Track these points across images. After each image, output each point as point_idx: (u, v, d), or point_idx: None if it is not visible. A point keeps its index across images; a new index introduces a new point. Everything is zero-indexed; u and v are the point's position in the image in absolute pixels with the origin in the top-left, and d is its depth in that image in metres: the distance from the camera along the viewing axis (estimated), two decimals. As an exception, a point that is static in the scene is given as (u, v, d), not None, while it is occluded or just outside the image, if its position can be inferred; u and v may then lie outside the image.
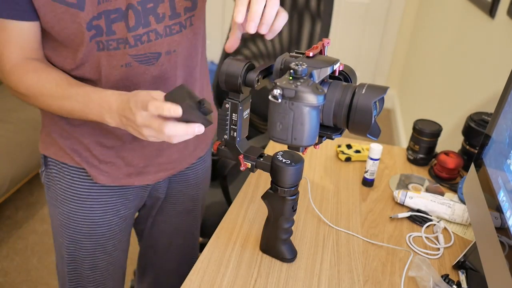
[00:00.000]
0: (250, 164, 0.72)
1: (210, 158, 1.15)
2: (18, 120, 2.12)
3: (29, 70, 0.76)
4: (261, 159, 0.72)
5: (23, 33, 0.74)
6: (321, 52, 0.63)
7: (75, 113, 0.75)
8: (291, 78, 0.55)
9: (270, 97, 0.56)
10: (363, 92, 0.56)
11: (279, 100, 0.55)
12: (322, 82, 0.60)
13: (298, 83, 0.54)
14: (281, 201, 0.74)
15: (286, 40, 1.43)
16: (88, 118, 0.74)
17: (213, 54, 3.55)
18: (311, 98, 0.53)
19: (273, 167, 0.71)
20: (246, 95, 0.69)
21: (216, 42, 3.35)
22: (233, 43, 0.68)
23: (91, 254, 0.97)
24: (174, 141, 0.65)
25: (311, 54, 0.59)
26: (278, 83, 0.55)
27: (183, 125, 0.64)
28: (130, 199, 0.97)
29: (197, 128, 0.65)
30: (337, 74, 0.62)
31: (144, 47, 0.78)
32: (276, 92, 0.55)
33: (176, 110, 0.61)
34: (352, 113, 0.57)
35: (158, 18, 0.77)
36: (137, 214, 1.11)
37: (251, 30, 0.62)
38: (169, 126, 0.63)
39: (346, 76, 0.63)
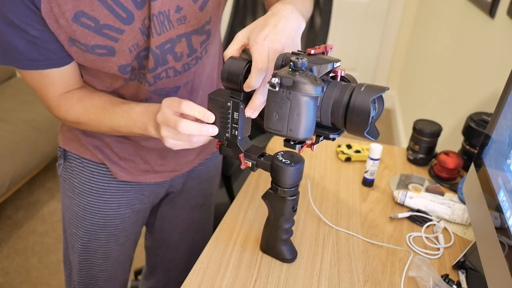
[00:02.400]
0: (250, 163, 0.72)
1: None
2: (18, 120, 2.12)
3: (74, 101, 0.79)
4: (262, 159, 0.72)
5: (63, 74, 0.78)
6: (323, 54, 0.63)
7: (122, 129, 0.78)
8: (290, 69, 0.55)
9: (268, 85, 0.56)
10: (362, 90, 0.56)
11: (277, 89, 0.55)
12: (322, 80, 0.60)
13: (297, 73, 0.54)
14: (281, 201, 0.74)
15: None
16: (134, 132, 0.77)
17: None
18: (309, 88, 0.53)
19: (273, 167, 0.71)
20: (248, 94, 0.69)
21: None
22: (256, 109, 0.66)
23: (104, 244, 1.00)
24: (193, 143, 0.67)
25: (312, 52, 0.59)
26: (277, 72, 0.55)
27: (197, 124, 0.66)
28: (145, 194, 1.01)
29: (211, 129, 0.67)
30: (338, 79, 0.62)
31: (163, 83, 0.82)
32: (274, 80, 0.55)
33: (209, 116, 0.66)
34: (350, 111, 0.56)
35: (177, 57, 0.79)
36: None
37: (252, 116, 0.66)
38: (184, 123, 0.65)
39: (347, 82, 0.63)
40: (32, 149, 2.04)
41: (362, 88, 0.56)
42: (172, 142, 0.69)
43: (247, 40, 0.63)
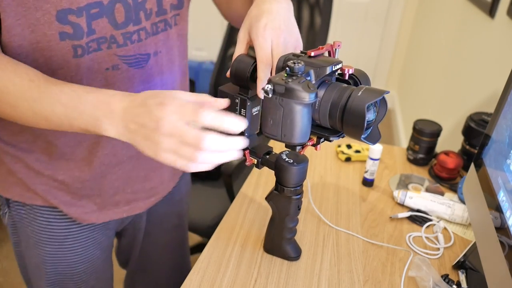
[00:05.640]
0: (256, 160, 0.73)
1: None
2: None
3: None
4: (268, 157, 0.73)
5: None
6: (330, 54, 0.63)
7: (55, 119, 0.55)
8: (286, 75, 0.55)
9: (261, 92, 0.56)
10: (359, 94, 0.56)
11: (270, 95, 0.55)
12: (323, 82, 0.60)
13: (290, 80, 0.54)
14: (286, 201, 0.75)
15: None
16: (73, 126, 0.56)
17: (212, 54, 3.55)
18: (301, 95, 0.53)
19: (277, 167, 0.72)
20: (255, 92, 0.69)
21: (215, 42, 3.35)
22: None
23: None
24: (204, 164, 0.51)
25: (312, 54, 0.59)
26: (271, 79, 0.55)
27: (227, 138, 0.51)
28: (110, 227, 0.88)
29: (243, 142, 0.52)
30: (346, 77, 0.62)
31: (134, 47, 0.69)
32: (267, 87, 0.55)
33: (243, 123, 0.51)
34: (346, 115, 0.56)
35: (146, 14, 0.69)
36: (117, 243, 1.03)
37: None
38: (210, 139, 0.49)
39: (356, 80, 0.62)
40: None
41: (360, 93, 0.55)
42: (171, 159, 0.51)
43: (249, 36, 0.63)
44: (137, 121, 0.52)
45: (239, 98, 0.67)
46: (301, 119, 0.55)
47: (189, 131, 0.49)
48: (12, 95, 0.55)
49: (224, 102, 0.56)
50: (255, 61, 0.63)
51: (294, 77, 0.54)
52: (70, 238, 0.81)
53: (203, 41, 3.60)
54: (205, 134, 0.49)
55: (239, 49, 0.64)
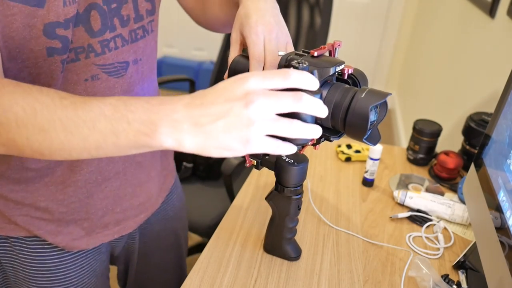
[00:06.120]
0: (255, 161, 0.73)
1: (179, 183, 1.05)
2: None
3: (5, 83, 0.48)
4: (267, 157, 0.73)
5: None
6: (330, 54, 0.63)
7: (96, 137, 0.46)
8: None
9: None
10: (362, 96, 0.56)
11: None
12: (325, 82, 0.60)
13: None
14: (286, 201, 0.75)
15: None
16: (119, 141, 0.45)
17: (212, 54, 3.56)
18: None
19: (277, 167, 0.72)
20: None
21: (215, 42, 3.35)
22: None
23: None
24: (303, 131, 0.45)
25: (315, 54, 0.59)
26: None
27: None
28: (102, 251, 0.83)
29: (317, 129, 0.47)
30: (345, 77, 0.62)
31: (112, 56, 0.65)
32: None
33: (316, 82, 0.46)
34: (349, 116, 0.56)
35: (123, 20, 0.66)
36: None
37: None
38: (307, 95, 0.44)
39: (355, 80, 0.62)
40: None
41: (363, 94, 0.55)
42: (270, 144, 0.45)
43: (241, 35, 0.63)
44: (214, 109, 0.43)
45: None
46: (305, 118, 0.55)
47: (285, 95, 0.42)
48: (42, 117, 0.46)
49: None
50: None
51: None
52: (62, 268, 0.76)
53: (203, 41, 3.61)
54: (301, 95, 0.43)
55: (234, 51, 0.64)
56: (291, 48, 0.64)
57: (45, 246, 0.73)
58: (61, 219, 0.71)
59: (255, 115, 0.42)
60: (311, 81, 0.45)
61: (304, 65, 0.55)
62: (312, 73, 0.57)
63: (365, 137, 0.56)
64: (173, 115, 0.43)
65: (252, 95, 0.42)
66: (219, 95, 0.43)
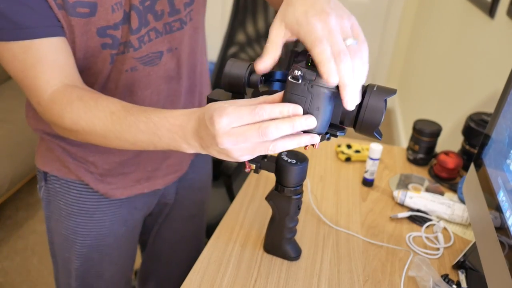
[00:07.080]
0: (254, 165, 0.73)
1: (211, 161, 1.14)
2: (18, 120, 2.12)
3: (73, 98, 0.63)
4: (265, 160, 0.73)
5: (57, 51, 0.64)
6: None
7: (140, 144, 0.61)
8: (309, 64, 0.55)
9: (289, 78, 0.55)
10: (375, 90, 0.57)
11: (300, 81, 0.55)
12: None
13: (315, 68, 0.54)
14: (287, 200, 0.75)
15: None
16: (158, 148, 0.61)
17: (212, 54, 3.55)
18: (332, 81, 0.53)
19: (278, 167, 0.72)
20: (249, 97, 0.69)
21: (215, 42, 3.34)
22: (268, 65, 0.55)
23: (97, 264, 0.94)
24: (276, 147, 0.52)
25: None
26: (298, 66, 0.55)
27: (288, 120, 0.51)
28: (138, 208, 0.95)
29: (309, 120, 0.52)
30: None
31: (146, 48, 0.75)
32: (297, 72, 0.54)
33: (297, 108, 0.51)
34: (362, 111, 0.57)
35: (157, 15, 0.74)
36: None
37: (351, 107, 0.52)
38: (272, 127, 0.49)
39: None
40: (32, 149, 2.04)
41: (375, 88, 0.57)
42: (238, 153, 0.53)
43: (284, 33, 0.54)
44: (200, 136, 0.55)
45: None
46: (327, 106, 0.56)
47: (249, 130, 0.50)
48: (100, 129, 0.62)
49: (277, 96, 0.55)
50: (250, 64, 0.62)
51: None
52: (99, 212, 0.89)
53: (203, 41, 3.60)
54: (266, 123, 0.49)
55: (273, 51, 0.54)
56: (357, 31, 0.56)
57: (89, 191, 0.87)
58: (103, 173, 0.86)
59: (229, 151, 0.53)
60: (283, 112, 0.51)
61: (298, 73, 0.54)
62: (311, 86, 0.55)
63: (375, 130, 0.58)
64: (187, 138, 0.57)
65: (221, 139, 0.51)
66: (206, 133, 0.53)
